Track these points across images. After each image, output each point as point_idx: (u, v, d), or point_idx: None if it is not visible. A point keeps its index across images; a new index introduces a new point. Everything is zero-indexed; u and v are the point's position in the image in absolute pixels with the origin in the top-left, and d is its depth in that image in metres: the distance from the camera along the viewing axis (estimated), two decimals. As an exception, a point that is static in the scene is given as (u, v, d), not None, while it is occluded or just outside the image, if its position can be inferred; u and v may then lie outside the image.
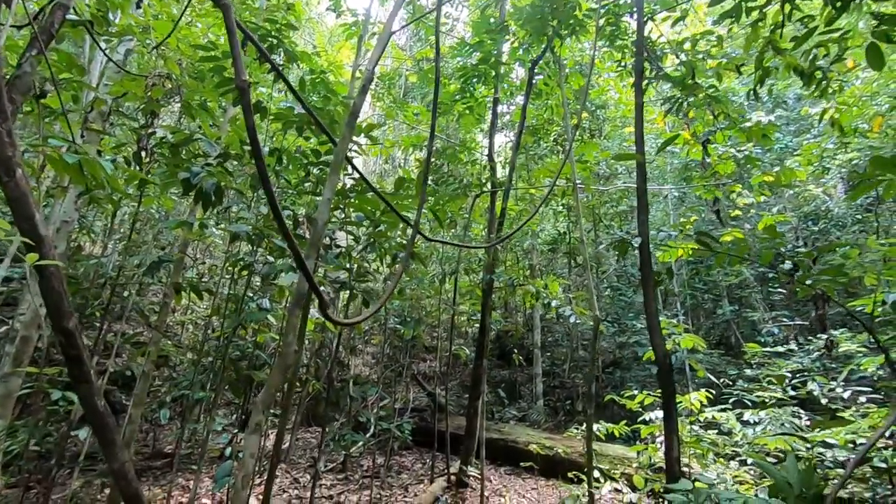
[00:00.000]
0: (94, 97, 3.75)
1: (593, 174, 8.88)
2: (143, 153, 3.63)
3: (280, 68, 2.39)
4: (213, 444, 6.08)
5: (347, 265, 4.46)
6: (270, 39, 4.15)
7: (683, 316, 9.92)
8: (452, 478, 6.18)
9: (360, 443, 5.59)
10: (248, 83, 1.33)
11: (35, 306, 4.37)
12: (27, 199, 1.40)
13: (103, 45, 4.24)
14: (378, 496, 5.71)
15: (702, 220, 9.75)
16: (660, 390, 5.40)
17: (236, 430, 5.98)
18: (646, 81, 4.59)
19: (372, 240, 4.48)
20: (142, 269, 5.65)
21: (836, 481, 3.68)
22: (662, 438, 5.30)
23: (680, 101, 4.52)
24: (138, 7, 4.32)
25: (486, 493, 5.29)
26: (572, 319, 5.14)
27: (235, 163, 4.14)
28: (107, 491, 5.04)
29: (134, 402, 4.40)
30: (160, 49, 4.54)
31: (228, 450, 4.77)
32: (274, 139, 5.90)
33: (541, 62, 6.22)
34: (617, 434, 5.56)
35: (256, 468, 5.03)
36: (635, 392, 5.42)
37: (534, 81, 6.33)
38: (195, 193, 3.41)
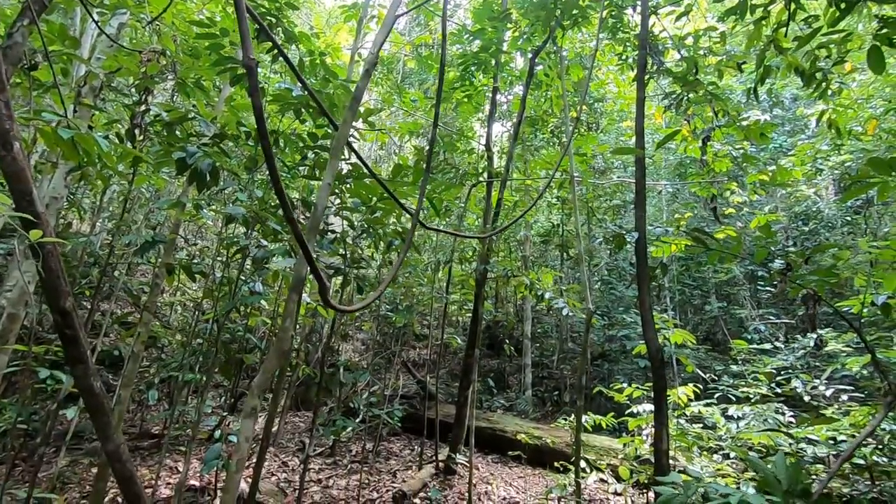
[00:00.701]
0: (86, 71, 3.65)
1: (589, 167, 8.88)
2: (137, 130, 3.55)
3: (278, 48, 2.34)
4: (201, 426, 6.07)
5: (342, 251, 4.43)
6: (269, 18, 4.06)
7: (672, 311, 10.03)
8: (441, 465, 6.24)
9: (350, 428, 5.62)
10: (255, 62, 1.30)
11: (23, 283, 4.30)
12: (25, 175, 1.35)
13: (96, 17, 4.13)
14: (366, 481, 5.76)
15: (695, 216, 9.83)
16: (648, 383, 5.49)
17: (225, 413, 5.97)
18: (647, 76, 4.58)
19: (367, 226, 4.46)
20: (132, 248, 5.57)
21: (817, 476, 3.78)
22: (649, 431, 5.40)
23: (680, 96, 4.51)
24: (133, -21, 4.19)
25: (473, 481, 5.35)
26: (564, 312, 5.17)
27: (231, 143, 4.07)
28: (94, 470, 5.02)
29: (122, 383, 4.36)
30: (155, 24, 4.43)
31: (217, 432, 4.76)
32: (269, 121, 5.81)
33: (541, 52, 6.17)
34: (604, 425, 5.64)
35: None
36: (624, 385, 5.49)
37: (534, 71, 6.28)
38: (189, 173, 3.35)
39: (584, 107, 8.57)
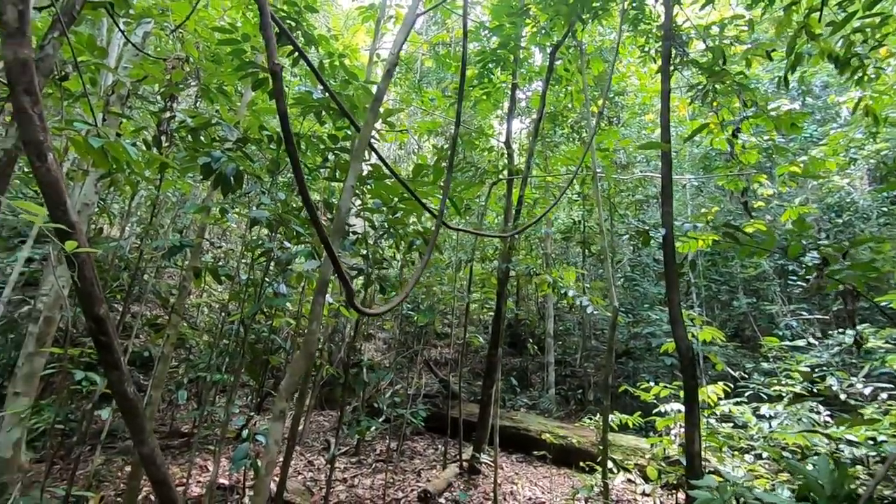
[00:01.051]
0: (114, 80, 3.73)
1: (612, 162, 8.73)
2: (163, 137, 3.62)
3: (300, 52, 2.34)
4: (229, 425, 6.17)
5: (363, 252, 4.45)
6: (289, 22, 4.08)
7: (699, 307, 9.81)
8: (465, 464, 6.22)
9: (374, 427, 5.66)
10: (280, 67, 1.29)
11: (57, 287, 4.43)
12: (59, 185, 1.38)
13: (122, 26, 4.22)
14: (391, 480, 5.78)
15: (721, 210, 9.57)
16: (676, 382, 5.36)
17: (251, 412, 6.07)
18: (672, 67, 4.47)
19: (389, 226, 4.46)
20: (160, 252, 5.70)
21: (858, 479, 3.64)
22: (678, 431, 5.28)
23: (706, 88, 4.38)
24: (157, -12, 4.27)
25: (498, 480, 5.32)
26: (589, 310, 5.09)
27: (253, 147, 4.11)
28: (127, 469, 5.16)
29: (153, 384, 4.46)
30: (178, 31, 4.51)
31: (245, 432, 4.84)
32: (291, 124, 5.86)
33: (561, 47, 6.08)
34: (630, 425, 5.55)
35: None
36: (651, 384, 5.38)
37: (553, 67, 6.20)
38: (214, 178, 3.40)
39: (604, 100, 8.44)
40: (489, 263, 8.04)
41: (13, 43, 1.28)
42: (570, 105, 7.52)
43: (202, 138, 3.78)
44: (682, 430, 5.44)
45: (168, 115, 3.74)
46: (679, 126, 10.19)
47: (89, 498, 4.25)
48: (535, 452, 6.41)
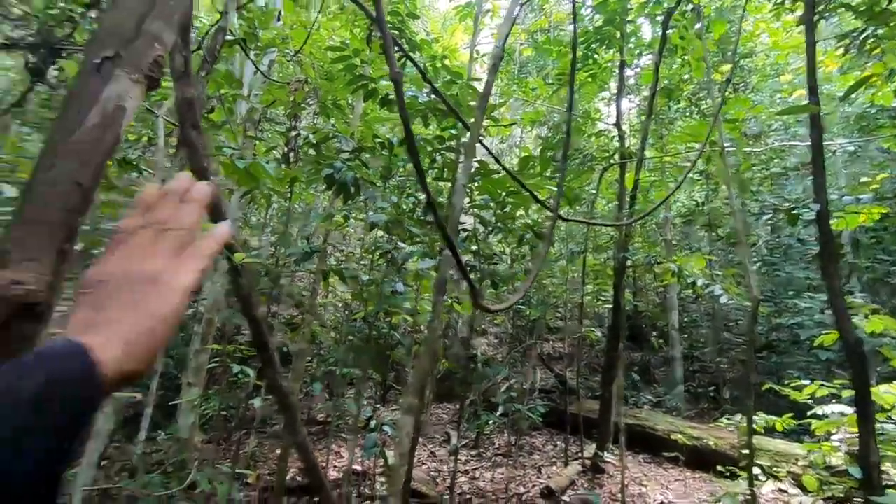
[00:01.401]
0: (249, 107, 4.19)
1: (742, 134, 7.81)
2: (291, 153, 3.99)
3: (405, 59, 2.42)
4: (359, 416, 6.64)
5: (474, 248, 4.49)
6: (393, 31, 4.25)
7: (861, 293, 8.38)
8: (587, 462, 6.02)
9: (492, 421, 5.71)
10: (401, 75, 1.34)
11: (215, 292, 5.12)
12: (220, 204, 1.59)
13: (252, 57, 4.73)
14: (512, 475, 5.78)
15: (890, 177, 8.06)
16: (836, 380, 4.65)
17: (377, 404, 6.48)
18: (816, 16, 3.86)
19: (498, 221, 4.45)
20: (293, 258, 6.32)
21: None
22: (841, 436, 4.58)
23: (865, 34, 3.71)
24: (278, 20, 4.71)
25: (624, 481, 5.06)
26: (723, 300, 4.61)
27: (367, 155, 4.37)
28: (277, 451, 5.80)
29: (293, 377, 4.96)
30: (298, 56, 4.94)
31: (373, 422, 5.17)
32: (396, 129, 6.12)
33: (675, 13, 5.56)
34: (779, 428, 4.93)
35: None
36: (805, 382, 4.73)
37: (667, 37, 5.69)
38: (336, 187, 3.67)
39: (732, 65, 7.57)
40: (602, 253, 7.67)
41: (181, 85, 1.49)
42: (686, 76, 6.86)
43: (323, 151, 4.09)
44: (848, 435, 4.70)
45: (294, 133, 4.12)
46: (824, 84, 8.77)
47: (248, 475, 4.86)
48: (665, 454, 5.99)
